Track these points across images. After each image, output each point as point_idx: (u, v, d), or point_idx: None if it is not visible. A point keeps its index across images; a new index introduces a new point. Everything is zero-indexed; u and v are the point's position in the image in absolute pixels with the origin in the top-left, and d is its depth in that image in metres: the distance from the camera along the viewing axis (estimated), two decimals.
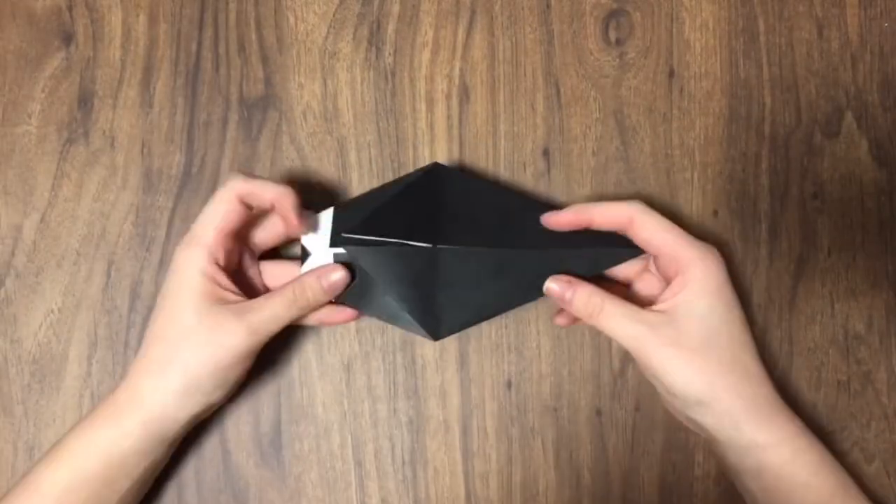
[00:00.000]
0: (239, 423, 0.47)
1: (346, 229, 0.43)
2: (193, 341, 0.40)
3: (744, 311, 0.42)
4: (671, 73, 0.48)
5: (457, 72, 0.48)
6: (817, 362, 0.48)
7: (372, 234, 0.42)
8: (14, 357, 0.47)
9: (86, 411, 0.46)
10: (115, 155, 0.48)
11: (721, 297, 0.41)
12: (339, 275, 0.42)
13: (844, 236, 0.48)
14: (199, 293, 0.40)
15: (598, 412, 0.47)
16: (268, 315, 0.41)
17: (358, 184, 0.48)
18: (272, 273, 0.45)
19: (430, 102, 0.48)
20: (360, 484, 0.47)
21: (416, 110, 0.48)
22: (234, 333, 0.40)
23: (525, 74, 0.48)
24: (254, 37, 0.48)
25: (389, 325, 0.47)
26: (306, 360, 0.47)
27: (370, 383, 0.47)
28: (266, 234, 0.44)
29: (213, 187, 0.48)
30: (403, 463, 0.47)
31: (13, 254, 0.47)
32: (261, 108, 0.48)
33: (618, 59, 0.49)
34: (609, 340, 0.48)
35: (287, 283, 0.42)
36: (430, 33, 0.48)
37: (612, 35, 0.49)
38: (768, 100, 0.48)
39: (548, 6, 0.49)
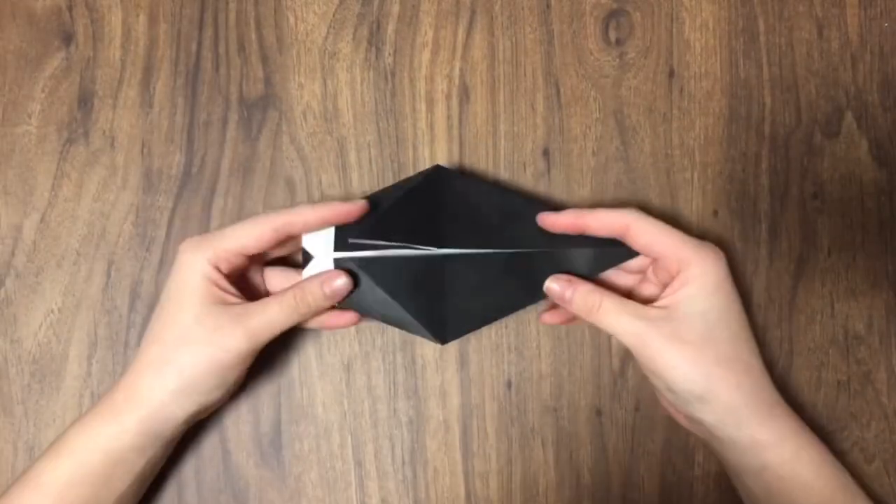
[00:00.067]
0: (239, 423, 0.47)
1: (351, 235, 0.43)
2: (192, 342, 0.40)
3: (744, 309, 0.42)
4: (671, 73, 0.48)
5: (457, 72, 0.48)
6: (817, 362, 0.48)
7: (377, 238, 0.42)
8: (14, 357, 0.47)
9: (84, 412, 0.46)
10: (115, 155, 0.48)
11: (721, 294, 0.41)
12: (342, 281, 0.42)
13: (844, 236, 0.48)
14: (199, 295, 0.40)
15: (598, 412, 0.47)
16: (267, 319, 0.41)
17: (358, 184, 0.48)
18: (275, 278, 0.45)
19: (430, 102, 0.48)
20: (360, 484, 0.47)
21: (416, 110, 0.48)
22: (233, 336, 0.40)
23: (525, 74, 0.48)
24: (254, 37, 0.48)
25: (389, 326, 0.47)
26: (306, 360, 0.47)
27: (370, 383, 0.47)
28: (279, 248, 0.44)
29: (213, 187, 0.48)
30: (403, 463, 0.47)
31: (13, 254, 0.47)
32: (261, 108, 0.48)
33: (618, 59, 0.49)
34: (609, 341, 0.48)
35: (288, 288, 0.42)
36: (430, 33, 0.48)
37: (612, 35, 0.49)
38: (768, 100, 0.48)
39: (548, 6, 0.49)
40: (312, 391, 0.47)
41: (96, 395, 0.47)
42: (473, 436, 0.47)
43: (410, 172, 0.48)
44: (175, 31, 0.48)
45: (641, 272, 0.44)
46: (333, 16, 0.49)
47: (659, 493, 0.47)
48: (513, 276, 0.43)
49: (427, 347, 0.47)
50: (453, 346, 0.47)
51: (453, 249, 0.43)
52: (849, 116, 0.48)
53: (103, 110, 0.48)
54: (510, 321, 0.47)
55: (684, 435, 0.46)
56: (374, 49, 0.48)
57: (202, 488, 0.47)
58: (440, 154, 0.48)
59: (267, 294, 0.45)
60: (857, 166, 0.48)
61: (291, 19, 0.48)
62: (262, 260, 0.45)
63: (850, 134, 0.48)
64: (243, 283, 0.44)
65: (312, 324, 0.44)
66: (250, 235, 0.41)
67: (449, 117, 0.48)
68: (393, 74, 0.48)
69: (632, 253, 0.43)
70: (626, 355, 0.48)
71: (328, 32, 0.48)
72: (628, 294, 0.45)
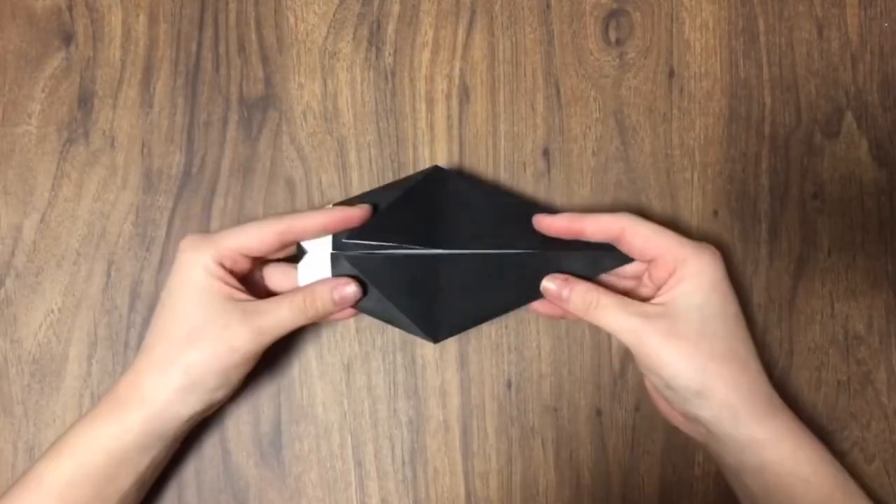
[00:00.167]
0: (239, 423, 0.47)
1: (347, 234, 0.43)
2: (199, 341, 0.40)
3: (741, 308, 0.42)
4: (671, 73, 0.48)
5: (457, 72, 0.48)
6: (817, 362, 0.48)
7: (373, 239, 0.43)
8: (14, 357, 0.47)
9: (86, 411, 0.46)
10: (115, 155, 0.48)
11: (717, 291, 0.41)
12: (352, 289, 0.43)
13: (844, 236, 0.48)
14: (205, 292, 0.40)
15: (598, 412, 0.47)
16: (275, 319, 0.41)
17: (358, 184, 0.48)
18: (275, 274, 0.45)
19: (430, 102, 0.48)
20: (360, 484, 0.47)
21: (416, 110, 0.48)
22: (241, 335, 0.40)
23: (525, 74, 0.48)
24: (254, 37, 0.48)
25: (389, 325, 0.47)
26: (306, 360, 0.47)
27: (370, 383, 0.47)
28: (280, 251, 0.44)
29: (213, 187, 0.48)
30: (403, 463, 0.47)
31: (13, 254, 0.47)
32: (261, 108, 0.48)
33: (618, 59, 0.49)
34: (609, 341, 0.48)
35: (297, 290, 0.42)
36: (430, 33, 0.48)
37: (612, 35, 0.49)
38: (768, 100, 0.48)
39: (548, 6, 0.49)
40: (312, 391, 0.47)
41: (96, 395, 0.47)
42: (473, 436, 0.47)
43: (410, 172, 0.48)
44: (175, 31, 0.48)
45: (637, 278, 0.44)
46: (333, 16, 0.49)
47: (659, 493, 0.47)
48: (507, 276, 0.44)
49: (427, 347, 0.47)
50: (453, 346, 0.47)
51: (448, 250, 0.43)
52: (849, 116, 0.48)
53: (103, 110, 0.48)
54: (510, 321, 0.48)
55: (684, 435, 0.46)
56: (374, 49, 0.48)
57: (202, 488, 0.47)
58: (440, 154, 0.48)
59: (267, 290, 0.45)
60: (857, 166, 0.48)
61: (291, 19, 0.48)
62: (261, 262, 0.45)
63: (850, 134, 0.48)
64: (244, 280, 0.44)
65: None
66: (253, 238, 0.41)
67: (449, 117, 0.48)
68: (393, 74, 0.48)
69: (626, 258, 0.43)
70: (626, 355, 0.48)
71: (328, 32, 0.48)
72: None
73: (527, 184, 0.48)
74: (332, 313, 0.43)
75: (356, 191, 0.48)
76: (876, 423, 0.47)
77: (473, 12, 0.49)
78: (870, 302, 0.48)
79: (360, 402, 0.47)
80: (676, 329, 0.40)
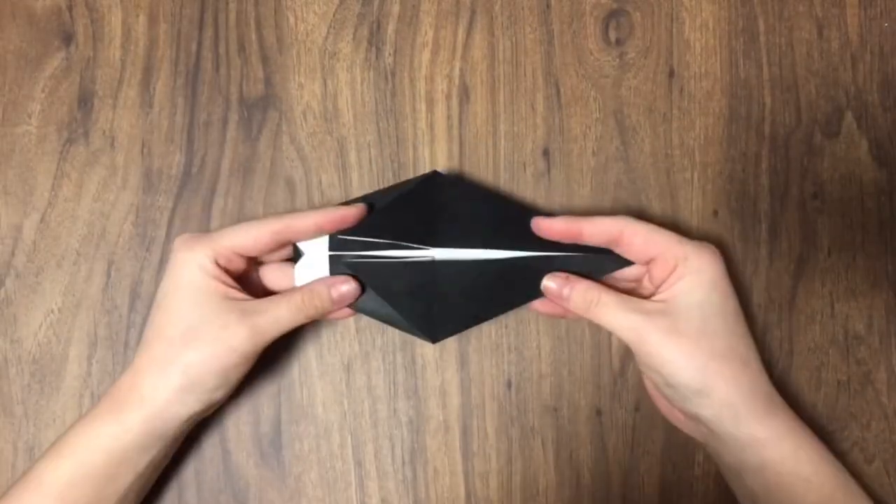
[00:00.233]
0: (239, 423, 0.47)
1: (343, 231, 0.43)
2: (197, 341, 0.40)
3: (741, 306, 0.42)
4: (671, 73, 0.48)
5: (457, 72, 0.48)
6: (817, 362, 0.48)
7: (370, 235, 0.43)
8: (14, 357, 0.47)
9: (86, 410, 0.46)
10: (115, 155, 0.48)
11: (717, 289, 0.41)
12: (350, 287, 0.43)
13: (844, 236, 0.48)
14: (202, 291, 0.40)
15: (598, 412, 0.47)
16: (273, 318, 0.41)
17: (358, 184, 0.48)
18: (272, 273, 0.45)
19: (430, 102, 0.48)
20: (360, 484, 0.47)
21: (416, 110, 0.48)
22: (239, 334, 0.40)
23: (525, 74, 0.48)
24: (254, 37, 0.48)
25: (389, 325, 0.47)
26: (306, 360, 0.47)
27: (370, 383, 0.47)
28: (275, 252, 0.44)
29: (213, 187, 0.48)
30: (403, 463, 0.47)
31: (13, 254, 0.47)
32: (261, 108, 0.48)
33: (618, 59, 0.49)
34: (609, 341, 0.48)
35: (295, 289, 0.42)
36: (430, 33, 0.48)
37: (612, 35, 0.49)
38: (768, 100, 0.48)
39: (548, 6, 0.49)
40: (312, 391, 0.47)
41: (96, 395, 0.47)
42: (473, 436, 0.47)
43: (410, 172, 0.48)
44: (175, 31, 0.48)
45: (637, 280, 0.44)
46: (333, 16, 0.49)
47: (659, 493, 0.47)
48: (506, 280, 0.44)
49: (427, 347, 0.47)
50: (453, 346, 0.47)
51: (446, 249, 0.43)
52: (849, 116, 0.48)
53: (103, 110, 0.48)
54: (510, 321, 0.48)
55: (684, 435, 0.46)
56: (374, 49, 0.48)
57: (202, 488, 0.47)
58: (440, 154, 0.48)
59: (263, 289, 0.45)
60: (857, 166, 0.48)
61: (291, 19, 0.48)
62: (256, 263, 0.45)
63: (850, 134, 0.48)
64: (240, 280, 0.44)
65: None
66: (248, 236, 0.41)
67: (449, 117, 0.48)
68: (393, 74, 0.48)
69: (625, 262, 0.43)
70: (626, 355, 0.48)
71: (328, 32, 0.48)
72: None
73: (527, 184, 0.48)
74: (330, 312, 0.43)
75: (356, 191, 0.48)
76: (876, 423, 0.47)
77: (473, 12, 0.49)
78: (870, 302, 0.48)
79: (360, 402, 0.47)
80: (677, 326, 0.40)
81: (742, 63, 0.49)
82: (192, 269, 0.40)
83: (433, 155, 0.48)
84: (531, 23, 0.49)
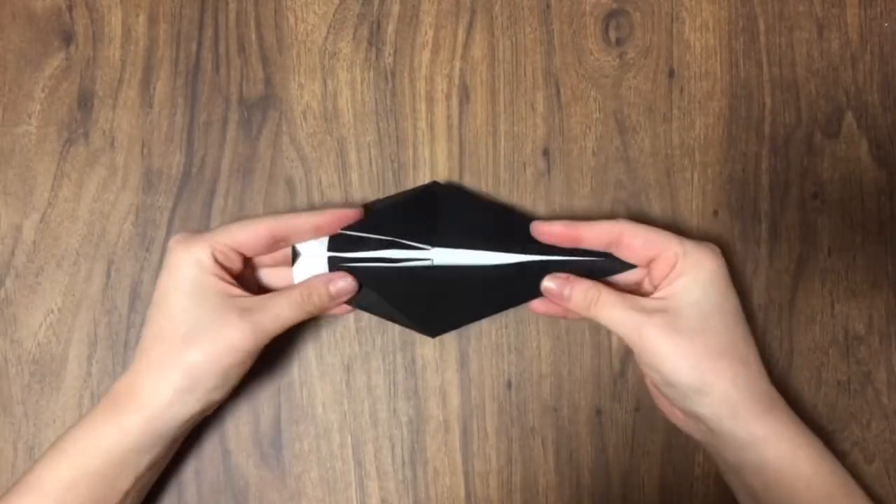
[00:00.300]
0: (239, 423, 0.47)
1: (344, 227, 0.43)
2: (198, 340, 0.40)
3: (741, 305, 0.42)
4: (671, 73, 0.48)
5: (457, 72, 0.48)
6: (817, 362, 0.48)
7: (368, 232, 0.43)
8: (14, 357, 0.47)
9: (86, 411, 0.46)
10: (115, 155, 0.48)
11: (716, 286, 0.41)
12: (347, 282, 0.43)
13: (844, 236, 0.48)
14: (200, 289, 0.40)
15: (598, 412, 0.47)
16: (274, 315, 0.41)
17: (358, 184, 0.48)
18: (270, 272, 0.45)
19: (430, 102, 0.48)
20: (360, 484, 0.47)
21: (416, 110, 0.48)
22: (240, 332, 0.40)
23: (525, 74, 0.48)
24: (254, 37, 0.48)
25: (389, 325, 0.47)
26: (306, 360, 0.47)
27: (370, 383, 0.47)
28: (272, 252, 0.44)
29: (213, 187, 0.48)
30: (403, 463, 0.47)
31: (13, 254, 0.47)
32: (261, 108, 0.48)
33: (618, 59, 0.49)
34: (609, 341, 0.48)
35: (294, 285, 0.42)
36: (430, 33, 0.48)
37: (612, 35, 0.49)
38: (768, 100, 0.48)
39: (548, 6, 0.49)
40: (312, 391, 0.47)
41: (96, 395, 0.47)
42: (473, 436, 0.47)
43: (410, 172, 0.48)
44: (175, 31, 0.48)
45: (637, 284, 0.44)
46: (333, 16, 0.49)
47: (659, 493, 0.47)
48: (505, 281, 0.44)
49: (427, 347, 0.47)
50: (453, 346, 0.47)
51: (445, 249, 0.44)
52: (849, 116, 0.48)
53: (103, 110, 0.48)
54: (510, 321, 0.48)
55: (684, 435, 0.46)
56: (374, 49, 0.48)
57: (202, 488, 0.47)
58: (440, 154, 0.48)
59: (260, 287, 0.45)
60: (857, 166, 0.48)
61: (291, 19, 0.48)
62: (252, 263, 0.45)
63: (850, 134, 0.48)
64: (237, 280, 0.43)
65: None
66: (245, 234, 0.41)
67: (449, 117, 0.48)
68: (393, 74, 0.48)
69: (625, 265, 0.43)
70: (626, 355, 0.48)
71: (328, 32, 0.48)
72: None
73: (527, 184, 0.48)
74: (328, 308, 0.43)
75: (356, 191, 0.48)
76: (876, 423, 0.47)
77: (473, 12, 0.49)
78: (870, 302, 0.48)
79: (360, 402, 0.47)
80: (675, 324, 0.40)
81: (742, 63, 0.49)
82: (191, 266, 0.40)
83: (433, 155, 0.48)
84: (531, 23, 0.49)
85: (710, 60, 0.49)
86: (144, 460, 0.41)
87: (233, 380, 0.41)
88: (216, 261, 0.41)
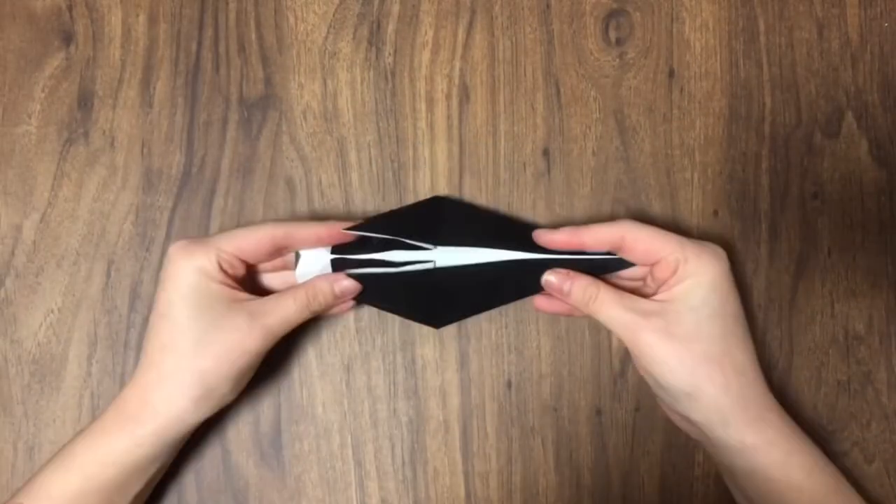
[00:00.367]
0: (239, 423, 0.47)
1: (347, 227, 0.43)
2: (210, 348, 0.39)
3: (743, 310, 0.42)
4: (671, 73, 0.48)
5: (457, 72, 0.48)
6: (817, 362, 0.48)
7: (372, 231, 0.43)
8: (14, 357, 0.47)
9: (86, 411, 0.46)
10: (115, 155, 0.48)
11: (717, 291, 0.41)
12: (351, 281, 0.43)
13: (844, 236, 0.48)
14: (205, 296, 0.40)
15: (598, 412, 0.47)
16: (281, 316, 0.41)
17: (358, 184, 0.48)
18: (270, 276, 0.45)
19: (430, 102, 0.48)
20: (360, 484, 0.47)
21: (416, 110, 0.48)
22: (250, 335, 0.40)
23: (525, 74, 0.48)
24: (254, 37, 0.48)
25: (389, 325, 0.47)
26: (306, 360, 0.47)
27: (370, 383, 0.47)
28: (273, 260, 0.44)
29: (213, 187, 0.48)
30: (403, 463, 0.47)
31: (13, 254, 0.47)
32: (261, 108, 0.48)
33: (618, 59, 0.49)
34: (609, 341, 0.48)
35: (299, 286, 0.42)
36: (430, 33, 0.48)
37: (612, 35, 0.49)
38: (768, 100, 0.48)
39: (548, 6, 0.49)
40: (312, 391, 0.47)
41: (96, 395, 0.47)
42: (473, 436, 0.47)
43: (410, 172, 0.48)
44: (175, 31, 0.48)
45: (641, 279, 0.44)
46: (333, 16, 0.49)
47: (659, 493, 0.47)
48: (507, 278, 0.44)
49: (427, 347, 0.47)
50: (453, 346, 0.47)
51: (448, 247, 0.44)
52: (849, 116, 0.48)
53: (103, 110, 0.48)
54: (510, 321, 0.48)
55: (684, 435, 0.46)
56: (374, 49, 0.48)
57: (202, 488, 0.47)
58: (440, 154, 0.48)
59: (262, 289, 0.45)
60: (857, 166, 0.48)
61: (291, 19, 0.48)
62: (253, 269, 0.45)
63: (850, 134, 0.48)
64: (240, 284, 0.43)
65: None
66: (250, 240, 0.41)
67: (449, 117, 0.48)
68: (393, 74, 0.48)
69: (627, 263, 0.43)
70: (626, 356, 0.48)
71: (328, 32, 0.48)
72: None
73: (527, 184, 0.48)
74: (333, 306, 0.43)
75: (356, 191, 0.48)
76: (876, 423, 0.47)
77: (473, 12, 0.49)
78: (870, 302, 0.48)
79: (360, 402, 0.47)
80: (671, 328, 0.40)
81: (742, 63, 0.49)
82: (194, 274, 0.40)
83: (433, 155, 0.48)
84: (531, 23, 0.48)
85: (710, 60, 0.49)
86: (154, 467, 0.41)
87: (244, 382, 0.42)
88: (221, 267, 0.41)
